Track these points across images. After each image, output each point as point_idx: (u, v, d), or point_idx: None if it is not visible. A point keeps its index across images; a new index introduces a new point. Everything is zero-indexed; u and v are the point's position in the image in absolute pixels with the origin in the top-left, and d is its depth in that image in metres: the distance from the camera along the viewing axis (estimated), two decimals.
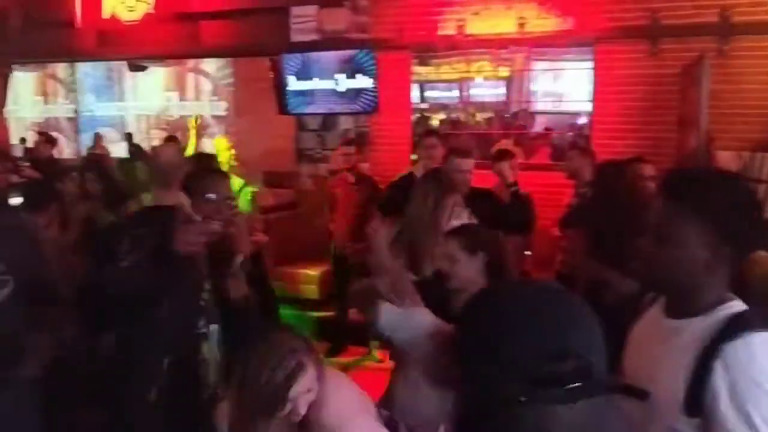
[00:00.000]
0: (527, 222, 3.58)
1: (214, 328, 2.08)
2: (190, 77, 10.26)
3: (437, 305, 1.97)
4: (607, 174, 3.08)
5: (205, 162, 3.89)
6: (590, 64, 5.41)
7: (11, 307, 1.66)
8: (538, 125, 6.13)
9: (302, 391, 1.49)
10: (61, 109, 11.33)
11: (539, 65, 5.95)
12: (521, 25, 5.46)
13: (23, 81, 9.60)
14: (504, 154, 3.87)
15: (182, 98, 10.96)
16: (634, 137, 5.11)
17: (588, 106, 5.54)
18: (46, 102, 11.05)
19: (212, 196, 2.09)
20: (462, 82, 6.30)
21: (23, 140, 9.43)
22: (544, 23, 5.41)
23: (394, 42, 5.90)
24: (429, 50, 6.06)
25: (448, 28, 5.78)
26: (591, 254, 2.79)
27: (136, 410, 1.86)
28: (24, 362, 1.65)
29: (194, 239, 1.77)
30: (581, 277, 2.86)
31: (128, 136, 10.62)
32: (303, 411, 1.49)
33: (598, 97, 5.40)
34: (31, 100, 10.61)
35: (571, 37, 5.35)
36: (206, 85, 10.28)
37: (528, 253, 4.19)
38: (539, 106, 6.15)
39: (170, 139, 7.72)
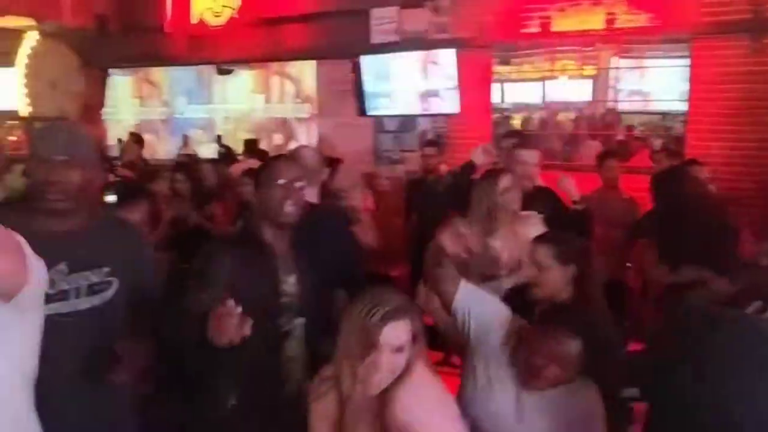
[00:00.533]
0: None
1: (299, 322, 1.99)
2: (275, 80, 10.56)
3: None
4: (663, 181, 2.96)
5: None
6: (684, 61, 5.10)
7: (113, 309, 1.71)
8: (626, 125, 5.87)
9: (393, 343, 1.43)
10: (155, 111, 11.95)
11: (627, 63, 5.69)
12: (610, 21, 5.23)
13: (121, 84, 10.17)
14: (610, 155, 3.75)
15: (267, 101, 11.31)
16: (734, 138, 4.78)
17: (681, 106, 5.23)
18: (141, 104, 11.69)
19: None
20: (545, 82, 6.11)
21: (120, 141, 10.00)
22: (634, 19, 5.16)
23: (476, 41, 5.80)
24: (511, 49, 5.93)
25: (532, 26, 5.62)
26: (664, 262, 2.68)
27: (216, 411, 1.88)
28: (120, 368, 1.67)
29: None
30: (655, 286, 2.75)
31: (218, 138, 11.03)
32: (385, 373, 1.44)
33: (693, 96, 5.08)
34: (128, 103, 11.25)
35: (666, 32, 5.07)
36: (290, 88, 10.55)
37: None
38: (626, 105, 5.88)
39: (251, 142, 7.96)
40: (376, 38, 6.33)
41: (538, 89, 6.20)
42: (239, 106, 11.61)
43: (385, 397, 1.47)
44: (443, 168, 5.32)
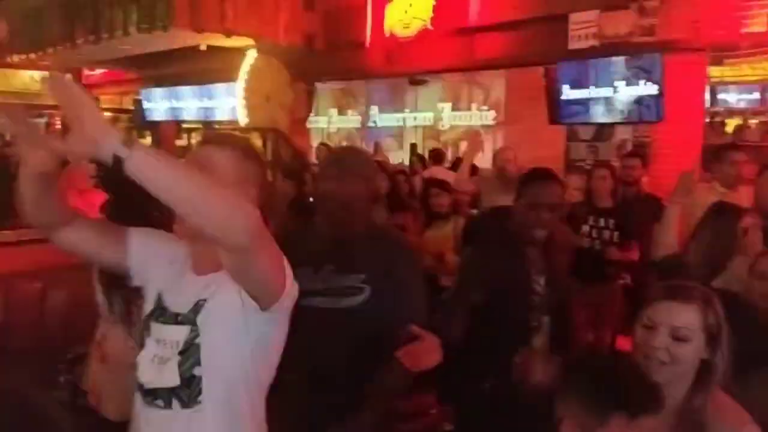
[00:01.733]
0: None
1: (545, 320, 2.19)
2: (463, 87, 10.67)
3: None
4: None
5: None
6: None
7: (364, 313, 1.82)
8: None
9: None
10: (351, 120, 12.72)
11: None
12: None
13: (321, 94, 10.97)
14: None
15: (455, 108, 11.46)
16: None
17: None
18: (339, 113, 12.51)
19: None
20: (764, 84, 5.44)
21: (319, 147, 10.78)
22: None
23: (688, 43, 5.33)
24: (728, 50, 5.36)
25: (755, 25, 5.03)
26: None
27: (471, 403, 2.04)
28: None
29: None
30: None
31: (413, 147, 11.39)
32: None
33: None
34: (327, 112, 12.12)
35: None
36: (479, 95, 10.58)
37: None
38: None
39: (438, 152, 8.09)
40: (574, 44, 6.10)
41: (755, 92, 5.55)
42: (428, 114, 11.93)
43: None
44: (643, 180, 4.97)
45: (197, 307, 1.34)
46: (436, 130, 12.14)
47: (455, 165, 7.15)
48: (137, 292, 2.10)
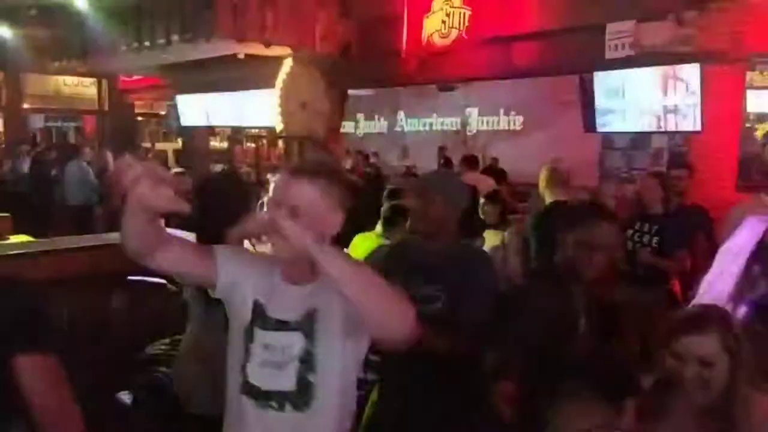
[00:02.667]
0: None
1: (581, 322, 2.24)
2: (485, 92, 10.71)
3: None
4: None
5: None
6: None
7: (439, 320, 1.98)
8: None
9: None
10: (378, 125, 12.86)
11: None
12: None
13: (354, 101, 11.10)
14: None
15: (481, 113, 11.54)
16: None
17: None
18: (367, 119, 12.66)
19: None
20: None
21: (348, 152, 10.92)
22: None
23: (729, 54, 5.37)
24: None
25: None
26: None
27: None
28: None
29: None
30: None
31: (440, 150, 11.49)
32: None
33: None
34: (355, 118, 12.26)
35: None
36: (506, 99, 10.65)
37: None
38: None
39: (471, 158, 8.15)
40: (610, 54, 6.16)
41: None
42: (455, 119, 12.03)
43: None
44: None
45: (311, 317, 1.46)
46: (464, 134, 12.25)
47: (490, 170, 7.24)
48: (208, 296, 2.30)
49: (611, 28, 6.18)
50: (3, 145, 13.15)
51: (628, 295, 3.89)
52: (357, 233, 3.82)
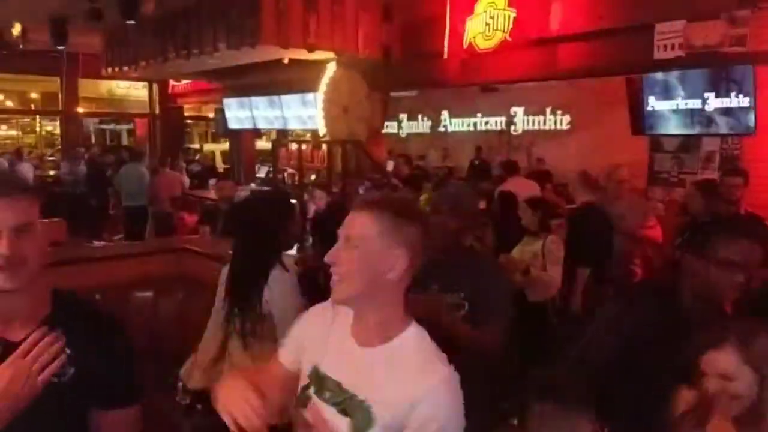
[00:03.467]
0: None
1: None
2: (533, 91, 10.57)
3: None
4: None
5: None
6: None
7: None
8: None
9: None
10: (421, 125, 12.84)
11: None
12: None
13: (394, 102, 11.13)
14: None
15: (527, 113, 11.38)
16: None
17: None
18: (409, 119, 12.66)
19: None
20: None
21: (390, 154, 10.95)
22: None
23: None
24: None
25: None
26: None
27: None
28: None
29: None
30: None
31: (477, 150, 11.45)
32: None
33: None
34: (397, 117, 12.28)
35: None
36: (552, 99, 10.47)
37: None
38: None
39: (511, 163, 8.06)
40: (659, 54, 6.01)
41: None
42: (499, 119, 11.90)
43: None
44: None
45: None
46: (508, 134, 12.11)
47: (535, 174, 7.12)
48: (254, 313, 2.36)
49: (660, 28, 6.02)
50: (59, 148, 13.75)
51: None
52: None
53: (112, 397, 1.34)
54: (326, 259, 1.36)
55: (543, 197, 4.54)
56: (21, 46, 8.85)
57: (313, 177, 8.77)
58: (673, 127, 6.11)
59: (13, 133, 14.95)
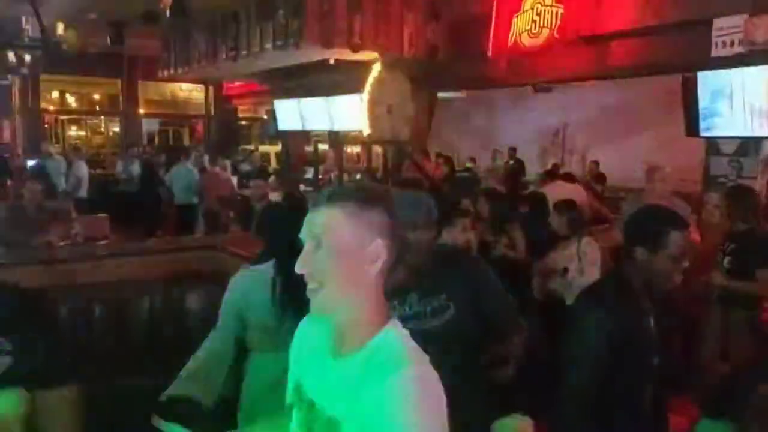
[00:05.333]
0: None
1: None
2: (584, 91, 10.22)
3: None
4: None
5: None
6: None
7: (450, 330, 2.02)
8: None
9: None
10: (472, 126, 12.66)
11: None
12: None
13: (443, 103, 10.99)
14: None
15: (579, 113, 11.03)
16: None
17: None
18: (459, 120, 12.49)
19: None
20: None
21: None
22: None
23: None
24: None
25: None
26: None
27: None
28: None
29: None
30: None
31: (512, 152, 11.17)
32: None
33: None
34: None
35: None
36: (604, 99, 10.11)
37: None
38: None
39: (550, 170, 7.79)
40: (717, 51, 5.66)
41: None
42: (553, 119, 11.61)
43: None
44: None
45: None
46: (562, 135, 11.80)
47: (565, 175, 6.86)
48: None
49: (719, 23, 5.67)
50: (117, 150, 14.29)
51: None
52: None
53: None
54: (297, 269, 1.23)
55: (572, 201, 4.32)
56: (78, 51, 9.18)
57: (357, 177, 8.75)
58: (730, 129, 5.74)
59: (83, 133, 15.72)
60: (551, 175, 6.32)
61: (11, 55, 10.02)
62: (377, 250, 1.23)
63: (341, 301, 1.24)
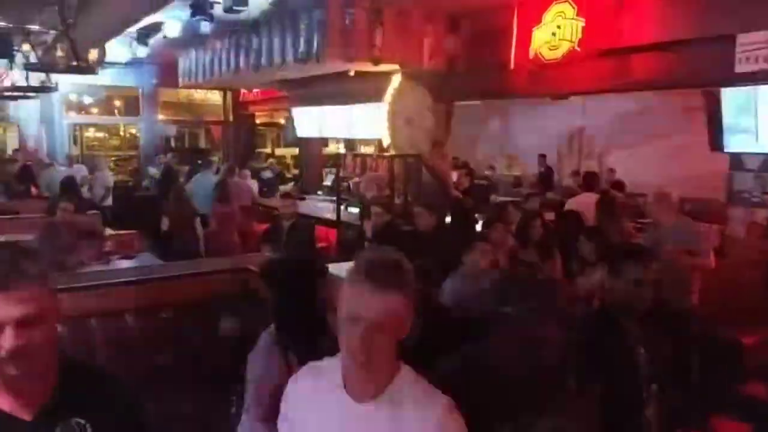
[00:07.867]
0: None
1: (653, 389, 2.29)
2: (602, 99, 10.16)
3: None
4: None
5: None
6: None
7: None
8: None
9: None
10: (488, 134, 12.67)
11: None
12: None
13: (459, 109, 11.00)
14: None
15: (597, 121, 11.00)
16: None
17: None
18: (475, 127, 12.49)
19: None
20: None
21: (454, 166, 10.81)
22: None
23: None
24: None
25: None
26: None
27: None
28: None
29: None
30: None
31: (542, 159, 11.16)
32: None
33: None
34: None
35: None
36: (622, 107, 10.07)
37: None
38: None
39: (592, 176, 7.78)
40: (741, 67, 5.65)
41: None
42: (570, 126, 11.58)
43: None
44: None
45: None
46: (579, 143, 11.76)
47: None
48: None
49: (743, 38, 5.66)
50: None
51: None
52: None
53: None
54: (360, 358, 1.29)
55: (600, 228, 4.32)
56: (98, 70, 9.23)
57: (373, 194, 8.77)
58: (754, 145, 5.72)
59: (100, 135, 15.94)
60: (590, 183, 6.30)
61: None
62: (411, 321, 1.36)
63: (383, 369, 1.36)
